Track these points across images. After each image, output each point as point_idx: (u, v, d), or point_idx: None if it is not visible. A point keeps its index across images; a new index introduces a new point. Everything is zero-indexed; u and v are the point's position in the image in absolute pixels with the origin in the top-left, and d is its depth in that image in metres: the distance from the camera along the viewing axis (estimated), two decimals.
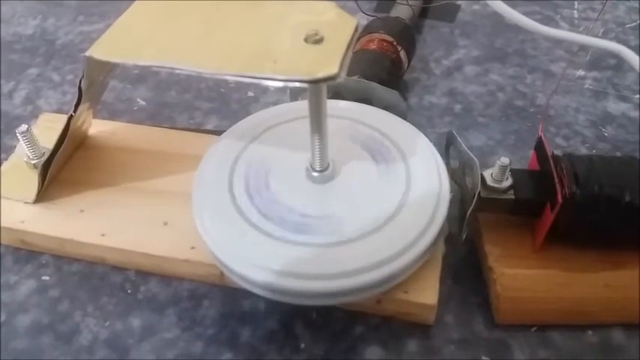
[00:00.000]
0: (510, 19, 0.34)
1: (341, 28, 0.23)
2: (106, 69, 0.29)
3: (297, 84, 0.21)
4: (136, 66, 0.22)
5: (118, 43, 0.23)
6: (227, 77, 0.21)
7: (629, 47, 0.35)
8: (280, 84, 0.21)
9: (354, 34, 0.22)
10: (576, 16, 0.47)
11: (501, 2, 0.33)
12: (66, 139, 0.30)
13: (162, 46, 0.23)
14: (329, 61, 0.21)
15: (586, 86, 0.40)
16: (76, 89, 0.27)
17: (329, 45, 0.22)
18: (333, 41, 0.22)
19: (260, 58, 0.22)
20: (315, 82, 0.21)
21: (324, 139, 0.26)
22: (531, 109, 0.39)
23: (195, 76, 0.22)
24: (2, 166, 0.33)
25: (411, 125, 0.30)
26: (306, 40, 0.22)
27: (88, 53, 0.23)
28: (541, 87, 0.40)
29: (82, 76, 0.26)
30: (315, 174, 0.27)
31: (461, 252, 0.30)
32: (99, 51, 0.23)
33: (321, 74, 0.20)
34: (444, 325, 0.27)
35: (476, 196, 0.26)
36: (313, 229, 0.26)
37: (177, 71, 0.21)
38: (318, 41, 0.22)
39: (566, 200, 0.25)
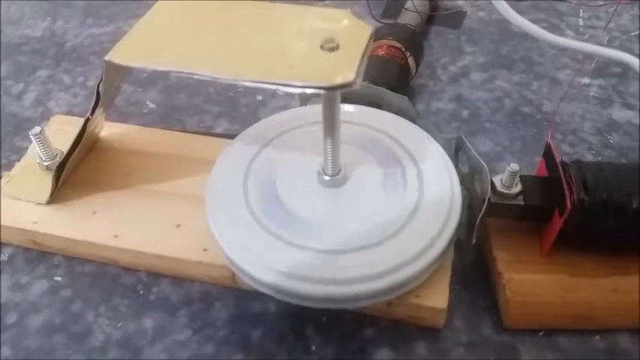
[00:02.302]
0: (521, 28, 0.35)
1: (356, 36, 0.23)
2: (124, 73, 0.29)
3: (313, 90, 0.22)
4: (155, 71, 0.23)
5: (137, 48, 0.24)
6: (245, 83, 0.22)
7: (634, 55, 0.36)
8: (297, 90, 0.21)
9: (369, 42, 0.23)
10: (581, 24, 0.48)
11: (512, 10, 0.34)
12: (81, 141, 0.30)
13: (180, 51, 0.23)
14: (346, 68, 0.21)
15: (591, 94, 0.41)
16: (87, 92, 0.27)
17: (345, 52, 0.22)
18: (349, 48, 0.22)
19: (277, 64, 0.22)
20: (332, 89, 0.21)
21: (336, 144, 0.26)
22: (538, 116, 0.39)
23: (207, 80, 0.22)
24: (15, 168, 0.33)
25: (422, 130, 0.31)
26: (322, 47, 0.23)
27: (107, 58, 0.23)
28: (547, 94, 0.41)
29: (101, 80, 0.26)
30: (327, 178, 0.28)
31: (469, 257, 0.30)
32: (118, 55, 0.23)
33: (338, 81, 0.21)
34: (453, 329, 0.28)
35: (486, 202, 0.27)
36: (325, 234, 0.26)
37: (196, 77, 0.22)
38: (334, 48, 0.22)
39: (575, 206, 0.25)
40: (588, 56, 0.42)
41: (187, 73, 0.22)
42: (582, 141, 0.37)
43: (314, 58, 0.22)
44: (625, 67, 0.41)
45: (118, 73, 0.29)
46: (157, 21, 0.25)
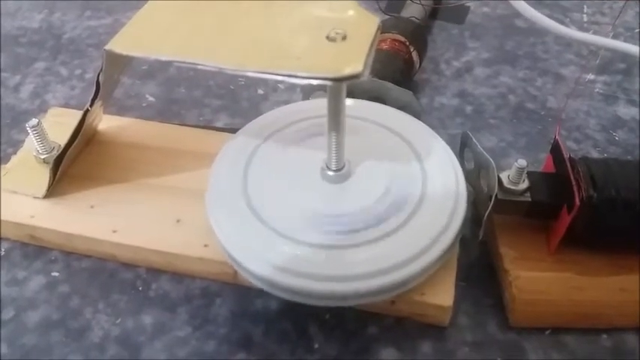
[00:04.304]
0: (533, 20, 0.34)
1: (363, 27, 0.22)
2: (124, 63, 0.29)
3: (319, 81, 0.21)
4: (156, 61, 0.22)
5: (138, 38, 0.23)
6: (249, 73, 0.21)
7: None
8: (303, 81, 0.21)
9: (376, 33, 0.22)
10: (585, 19, 0.48)
11: (526, 4, 0.33)
12: (80, 134, 0.29)
13: (182, 41, 0.23)
14: (353, 59, 0.21)
15: (596, 90, 0.40)
16: (84, 84, 0.27)
17: (352, 43, 0.22)
18: (357, 39, 0.22)
19: (283, 54, 0.22)
20: (339, 80, 0.20)
21: (341, 138, 0.26)
22: (542, 112, 0.39)
23: (206, 72, 0.22)
24: (11, 161, 0.32)
25: (426, 126, 0.30)
26: (328, 37, 0.22)
27: (107, 47, 0.23)
28: (552, 90, 0.40)
29: (100, 70, 0.26)
30: (331, 173, 0.27)
31: (474, 254, 0.30)
32: (119, 45, 0.23)
33: (346, 72, 0.20)
34: (458, 327, 0.27)
35: (493, 198, 0.26)
36: (328, 230, 0.25)
37: (199, 67, 0.21)
38: (341, 39, 0.22)
39: (584, 203, 0.25)
40: (593, 52, 0.41)
41: (190, 63, 0.21)
42: (587, 137, 0.37)
43: (320, 49, 0.22)
44: (630, 63, 0.41)
45: (118, 63, 0.28)
46: (156, 12, 0.24)
